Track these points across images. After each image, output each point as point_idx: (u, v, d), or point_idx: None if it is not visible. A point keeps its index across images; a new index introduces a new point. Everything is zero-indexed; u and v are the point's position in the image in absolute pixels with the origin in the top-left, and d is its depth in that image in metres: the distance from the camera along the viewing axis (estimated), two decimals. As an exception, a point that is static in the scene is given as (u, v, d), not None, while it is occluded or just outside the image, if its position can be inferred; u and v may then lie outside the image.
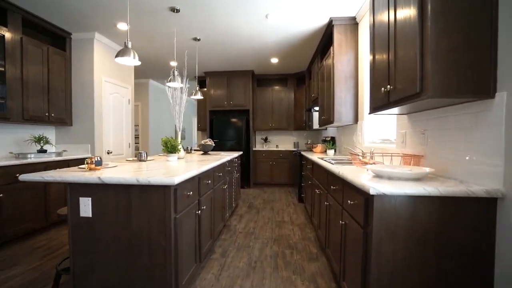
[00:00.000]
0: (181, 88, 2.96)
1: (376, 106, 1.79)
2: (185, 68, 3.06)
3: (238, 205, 4.35)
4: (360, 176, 1.50)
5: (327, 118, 3.52)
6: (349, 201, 1.52)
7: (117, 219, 1.52)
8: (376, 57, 1.77)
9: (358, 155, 2.09)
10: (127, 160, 2.54)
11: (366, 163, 2.00)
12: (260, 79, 6.28)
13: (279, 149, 5.86)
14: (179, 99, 2.87)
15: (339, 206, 1.80)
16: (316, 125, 5.04)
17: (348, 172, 1.68)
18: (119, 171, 1.72)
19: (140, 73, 6.13)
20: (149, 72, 6.00)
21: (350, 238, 1.55)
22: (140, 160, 2.43)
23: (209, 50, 4.55)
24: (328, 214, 2.19)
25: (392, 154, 2.09)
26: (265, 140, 6.27)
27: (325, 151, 4.19)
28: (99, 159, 1.75)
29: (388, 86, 1.55)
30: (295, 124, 6.11)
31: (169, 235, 1.49)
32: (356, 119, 3.24)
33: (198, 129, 6.40)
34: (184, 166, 2.08)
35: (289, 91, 6.11)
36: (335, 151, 3.62)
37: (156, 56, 4.86)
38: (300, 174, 4.48)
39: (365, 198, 1.29)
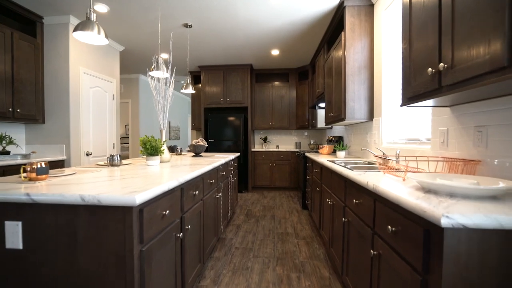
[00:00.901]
0: (166, 79, 2.50)
1: (416, 94, 1.34)
2: (171, 54, 2.60)
3: (235, 213, 3.90)
4: (401, 190, 1.06)
5: (337, 115, 3.07)
6: (389, 227, 1.07)
7: (58, 254, 1.06)
8: (416, 31, 1.32)
9: (387, 158, 1.64)
10: (97, 165, 2.08)
11: (396, 170, 1.55)
12: (259, 74, 5.82)
13: (279, 149, 5.42)
14: (163, 92, 2.41)
15: (367, 229, 1.35)
16: (321, 123, 4.59)
17: (379, 182, 1.23)
18: (70, 182, 1.26)
19: (129, 68, 5.66)
20: (139, 66, 5.52)
21: (391, 281, 1.09)
22: (112, 165, 1.97)
23: (202, 39, 4.09)
24: (346, 234, 1.74)
25: (429, 158, 1.65)
26: (265, 140, 5.82)
27: (333, 152, 3.75)
28: (42, 165, 1.29)
29: (441, 65, 1.10)
30: (297, 122, 5.67)
31: (131, 276, 1.03)
32: (371, 116, 2.80)
33: (193, 128, 5.93)
34: (166, 173, 1.62)
35: (290, 87, 5.66)
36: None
37: (144, 47, 4.39)
38: (304, 178, 4.03)
39: (425, 229, 0.84)
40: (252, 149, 5.46)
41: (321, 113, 4.67)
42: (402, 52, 1.47)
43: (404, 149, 2.08)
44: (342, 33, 2.87)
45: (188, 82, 3.46)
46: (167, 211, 1.29)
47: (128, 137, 6.38)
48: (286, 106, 5.68)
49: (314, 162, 3.22)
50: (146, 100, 6.51)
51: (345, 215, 1.76)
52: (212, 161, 2.49)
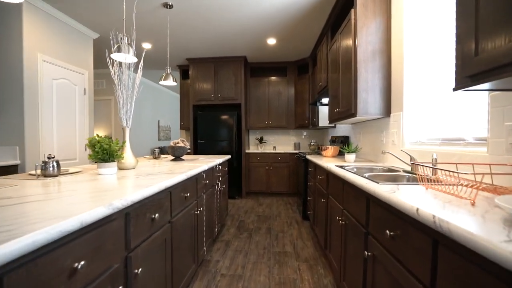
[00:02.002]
0: (131, 63, 1.97)
1: (489, 67, 0.82)
2: (133, 29, 2.08)
3: (225, 225, 3.37)
4: (484, 227, 0.54)
5: (345, 111, 2.56)
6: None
7: None
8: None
9: (426, 165, 1.13)
10: (30, 175, 1.54)
11: (441, 183, 1.04)
12: (254, 68, 5.31)
13: (277, 151, 4.90)
14: (126, 79, 1.89)
15: (412, 281, 0.83)
16: (323, 121, 4.08)
17: (441, 210, 0.71)
18: None
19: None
20: (121, 59, 4.97)
21: None
22: (46, 176, 1.43)
23: (186, 23, 3.56)
24: (371, 273, 1.22)
25: (492, 166, 1.14)
26: (260, 140, 5.30)
27: (338, 154, 3.24)
28: None
29: None
30: (296, 121, 5.15)
31: None
32: (387, 111, 2.29)
33: (181, 127, 5.40)
34: (112, 188, 1.10)
35: (288, 82, 5.15)
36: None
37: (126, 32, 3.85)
38: (305, 185, 3.51)
39: None
40: (247, 151, 4.94)
41: (323, 110, 4.16)
42: (458, 6, 0.96)
43: (440, 152, 1.57)
44: (352, 10, 2.36)
45: (168, 72, 2.93)
46: (80, 264, 0.76)
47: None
48: (284, 103, 5.16)
49: (317, 166, 2.70)
50: (131, 97, 5.95)
51: (368, 247, 1.25)
52: (191, 167, 1.97)
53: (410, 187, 1.14)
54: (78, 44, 3.46)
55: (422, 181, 1.19)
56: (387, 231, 1.01)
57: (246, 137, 5.12)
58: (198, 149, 4.84)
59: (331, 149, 3.10)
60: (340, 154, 3.41)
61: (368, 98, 2.28)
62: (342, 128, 3.82)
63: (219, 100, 4.84)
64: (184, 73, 5.38)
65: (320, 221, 2.52)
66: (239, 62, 4.80)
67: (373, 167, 2.07)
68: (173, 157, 2.69)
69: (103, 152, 1.52)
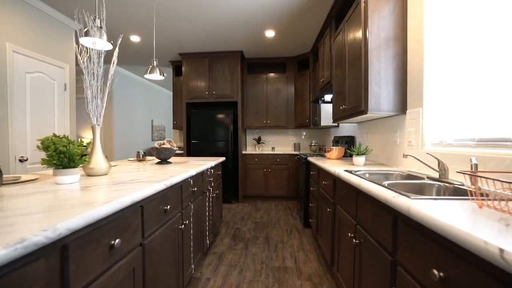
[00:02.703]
0: (102, 50, 1.67)
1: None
2: (103, 6, 1.78)
3: (219, 234, 3.06)
4: None
5: (353, 107, 2.26)
6: None
7: None
8: None
9: (478, 175, 0.84)
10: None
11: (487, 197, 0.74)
12: (252, 64, 5.01)
13: (275, 152, 4.60)
14: (96, 67, 1.58)
15: None
16: (325, 121, 3.80)
17: None
18: None
19: (98, 56, 4.78)
20: (109, 53, 4.66)
21: None
22: (-18, 186, 1.13)
23: (177, 14, 3.26)
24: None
25: None
26: (258, 140, 5.00)
27: (344, 156, 2.96)
28: None
29: None
30: (296, 120, 4.86)
31: None
32: (402, 107, 2.00)
33: (174, 127, 5.09)
34: (59, 204, 0.79)
35: (288, 79, 4.85)
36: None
37: (109, 24, 3.54)
38: (306, 189, 3.22)
39: None
40: (243, 152, 4.64)
41: (325, 109, 3.87)
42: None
43: (477, 155, 1.28)
44: (362, -8, 2.07)
45: (155, 64, 2.62)
46: None
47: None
48: (283, 101, 4.87)
49: (321, 170, 2.41)
50: (122, 95, 5.64)
51: (397, 283, 0.95)
52: (176, 172, 1.67)
53: (457, 205, 0.84)
54: (57, 35, 3.14)
55: (473, 196, 0.90)
56: (435, 271, 0.71)
57: (243, 137, 4.82)
58: (191, 150, 4.53)
59: (335, 151, 2.80)
60: (345, 156, 3.12)
61: (381, 93, 1.99)
62: (346, 128, 3.53)
63: (214, 97, 4.54)
64: (177, 69, 5.07)
65: (325, 232, 2.22)
66: (235, 57, 4.50)
67: (389, 172, 1.77)
68: (159, 160, 2.38)
69: (60, 156, 1.21)
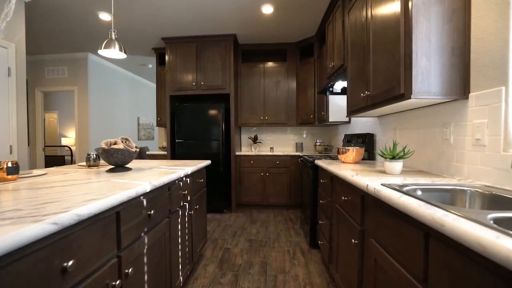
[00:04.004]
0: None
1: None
2: None
3: (203, 257, 2.41)
4: None
5: (382, 93, 1.61)
6: None
7: None
8: None
9: None
10: None
11: None
12: (247, 52, 4.35)
13: (274, 153, 3.95)
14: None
15: None
16: (335, 115, 3.16)
17: None
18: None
19: (72, 43, 4.12)
20: (85, 38, 3.99)
21: None
22: None
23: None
24: None
25: None
26: (254, 140, 4.35)
27: (360, 160, 2.32)
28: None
29: None
30: (298, 116, 4.21)
31: None
32: (463, 89, 1.35)
33: (158, 124, 4.43)
34: None
35: (289, 68, 4.21)
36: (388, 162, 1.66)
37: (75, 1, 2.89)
38: (313, 201, 2.57)
39: None
40: (237, 153, 3.98)
41: (335, 101, 3.23)
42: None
43: None
44: None
45: (113, 37, 1.95)
46: None
47: (76, 138, 4.83)
48: (283, 95, 4.22)
49: (337, 180, 1.76)
50: (99, 88, 4.97)
51: None
52: (117, 188, 1.02)
53: None
54: (-2, 6, 2.47)
55: None
56: None
57: (236, 136, 4.17)
58: (176, 151, 3.88)
59: (352, 152, 2.15)
60: (367, 158, 2.48)
61: (431, 68, 1.34)
62: (361, 124, 2.89)
63: (203, 89, 3.88)
64: (161, 58, 4.41)
65: (345, 266, 1.57)
66: (227, 42, 3.84)
67: (453, 188, 1.13)
68: (113, 166, 1.72)
69: None
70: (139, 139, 6.56)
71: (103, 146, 1.52)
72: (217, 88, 3.86)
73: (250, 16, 3.30)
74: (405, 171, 1.63)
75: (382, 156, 1.56)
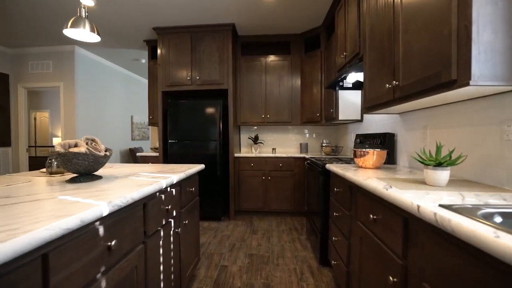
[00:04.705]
0: None
1: None
2: None
3: (195, 278, 2.05)
4: None
5: (423, 80, 1.26)
6: None
7: None
8: None
9: None
10: None
11: None
12: (247, 44, 4.00)
13: (277, 155, 3.59)
14: None
15: None
16: (346, 113, 2.82)
17: None
18: None
19: (56, 35, 3.76)
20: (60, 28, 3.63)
21: None
22: None
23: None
24: None
25: None
26: (255, 140, 3.99)
27: (382, 165, 1.97)
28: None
29: None
30: (302, 114, 3.86)
31: None
32: (539, 73, 0.99)
33: (150, 123, 4.07)
34: None
35: (293, 62, 3.85)
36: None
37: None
38: (324, 213, 2.21)
39: None
40: (236, 154, 3.63)
41: (346, 97, 2.88)
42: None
43: None
44: None
45: (83, 14, 1.60)
46: None
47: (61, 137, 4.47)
48: (287, 91, 3.87)
49: (359, 190, 1.40)
50: (87, 84, 4.62)
51: None
52: (67, 210, 0.66)
53: None
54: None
55: None
56: None
57: (235, 136, 3.82)
58: (168, 153, 3.52)
59: (373, 155, 1.80)
60: (386, 163, 2.13)
61: (496, 43, 0.99)
62: (377, 122, 2.53)
63: (198, 84, 3.53)
64: (153, 51, 4.06)
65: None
66: (225, 32, 3.49)
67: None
68: (74, 175, 1.36)
69: None
70: (133, 139, 6.21)
71: (58, 149, 1.16)
72: (214, 83, 3.50)
73: (250, 2, 2.95)
74: (449, 181, 1.27)
75: (421, 162, 1.20)
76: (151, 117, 4.02)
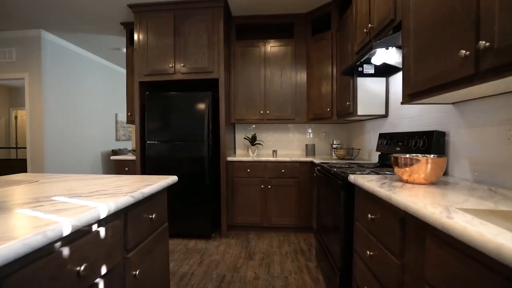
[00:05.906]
0: None
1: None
2: None
3: None
4: None
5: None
6: None
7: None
8: None
9: None
10: None
11: None
12: (242, 26, 3.38)
13: (278, 158, 2.97)
14: None
15: None
16: (366, 106, 2.21)
17: None
18: None
19: (20, 17, 3.13)
20: (37, 11, 3.00)
21: None
22: None
23: None
24: None
25: None
26: (252, 140, 3.36)
27: (434, 180, 1.35)
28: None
29: None
30: (309, 110, 3.24)
31: None
32: None
33: (128, 120, 3.45)
34: None
35: (297, 46, 3.24)
36: None
37: None
38: (345, 240, 1.59)
39: None
40: (229, 158, 3.01)
41: (367, 86, 2.28)
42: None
43: None
44: None
45: None
46: None
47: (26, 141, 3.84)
48: (290, 82, 3.25)
49: (445, 241, 0.78)
50: (58, 75, 3.99)
51: None
52: None
53: None
54: None
55: None
56: None
57: (228, 136, 3.20)
58: (147, 156, 2.91)
59: (425, 165, 1.18)
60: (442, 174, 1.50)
61: None
62: (409, 117, 1.91)
63: (183, 73, 2.91)
64: (132, 35, 3.44)
65: None
66: (215, 9, 2.87)
67: None
68: None
69: None
70: (117, 139, 5.58)
71: None
72: (202, 72, 2.88)
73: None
74: None
75: None
76: (129, 113, 3.40)
